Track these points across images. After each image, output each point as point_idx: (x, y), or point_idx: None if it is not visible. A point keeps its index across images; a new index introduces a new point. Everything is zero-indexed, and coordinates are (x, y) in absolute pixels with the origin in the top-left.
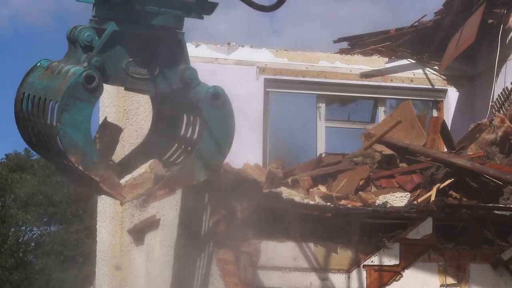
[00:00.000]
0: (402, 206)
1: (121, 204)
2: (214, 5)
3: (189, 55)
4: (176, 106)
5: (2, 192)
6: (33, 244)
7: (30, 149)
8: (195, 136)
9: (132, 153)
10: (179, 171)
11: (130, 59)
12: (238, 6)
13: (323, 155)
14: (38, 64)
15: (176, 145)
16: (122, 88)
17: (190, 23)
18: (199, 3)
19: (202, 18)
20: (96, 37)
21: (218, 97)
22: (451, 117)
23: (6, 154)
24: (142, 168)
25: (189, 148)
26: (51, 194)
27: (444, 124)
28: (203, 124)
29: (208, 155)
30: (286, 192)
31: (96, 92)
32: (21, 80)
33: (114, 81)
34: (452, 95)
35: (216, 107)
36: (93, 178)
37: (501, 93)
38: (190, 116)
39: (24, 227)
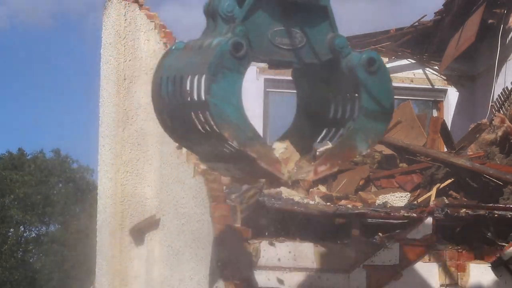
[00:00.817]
0: (402, 206)
1: (282, 183)
2: None
3: None
4: (323, 84)
5: (2, 192)
6: (31, 244)
7: (24, 149)
8: (347, 115)
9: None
10: (340, 145)
11: (275, 29)
12: None
13: None
14: (173, 47)
15: (326, 128)
16: (122, 88)
17: (189, 23)
18: None
19: None
20: (237, 7)
21: (373, 62)
22: (451, 117)
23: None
24: (283, 143)
25: (341, 130)
26: (49, 194)
27: (444, 124)
28: (360, 93)
29: (369, 125)
30: (286, 192)
31: (244, 61)
32: (156, 66)
33: (260, 53)
34: (452, 95)
35: (372, 73)
36: (249, 154)
37: (501, 93)
38: (339, 95)
39: (23, 227)
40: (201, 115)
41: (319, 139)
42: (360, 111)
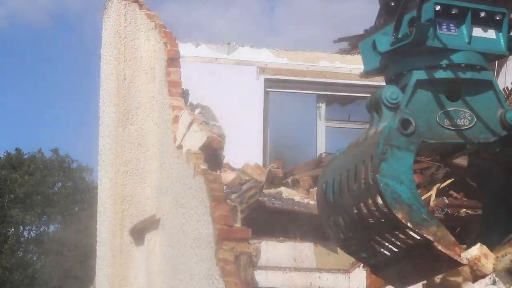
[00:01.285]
0: None
1: (461, 266)
2: None
3: (189, 55)
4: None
5: (1, 192)
6: (31, 244)
7: (21, 149)
8: None
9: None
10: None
11: (442, 110)
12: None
13: (323, 155)
14: (337, 152)
15: None
16: (122, 88)
17: (189, 23)
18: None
19: (507, 54)
20: (401, 94)
21: None
22: None
23: None
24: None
25: None
26: (49, 194)
27: None
28: None
29: None
30: (286, 192)
31: (414, 138)
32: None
33: (430, 137)
34: None
35: None
36: (425, 237)
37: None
38: None
39: (22, 227)
40: (370, 202)
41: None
42: None
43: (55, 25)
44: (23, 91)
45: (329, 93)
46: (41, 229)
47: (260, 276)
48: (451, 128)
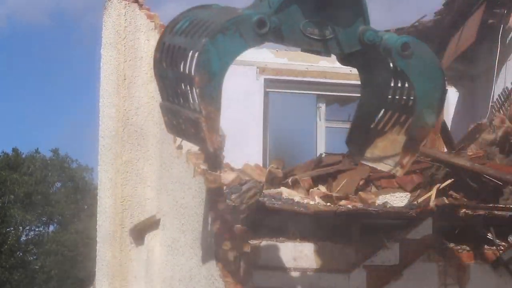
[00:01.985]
0: (402, 206)
1: (211, 150)
2: None
3: None
4: (378, 68)
5: (1, 192)
6: (31, 244)
7: (18, 149)
8: (404, 97)
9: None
10: (411, 131)
11: (307, 20)
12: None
13: (323, 155)
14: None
15: (383, 110)
16: (122, 88)
17: None
18: None
19: None
20: None
21: (407, 47)
22: (451, 117)
23: None
24: None
25: (402, 115)
26: (48, 194)
27: (444, 124)
28: (408, 77)
29: (428, 98)
30: (286, 192)
31: (258, 38)
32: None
33: (290, 42)
34: (452, 95)
35: (409, 56)
36: (202, 108)
37: (501, 93)
38: (394, 76)
39: (22, 227)
40: (191, 55)
41: (376, 122)
42: (417, 92)
43: (54, 24)
44: (21, 91)
45: (329, 93)
46: (41, 228)
47: (260, 276)
48: (311, 36)
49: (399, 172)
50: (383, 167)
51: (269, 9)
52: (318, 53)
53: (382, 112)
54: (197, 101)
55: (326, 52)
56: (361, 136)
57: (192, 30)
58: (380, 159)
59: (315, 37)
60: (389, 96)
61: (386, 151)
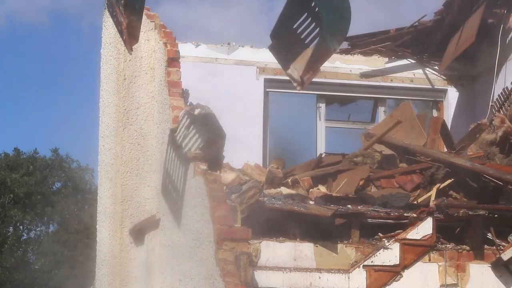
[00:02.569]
0: (402, 206)
1: (129, 53)
2: None
3: (189, 55)
4: None
5: (1, 192)
6: (31, 244)
7: (19, 149)
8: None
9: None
10: (314, 51)
11: None
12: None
13: (323, 155)
14: None
15: (306, 14)
16: (122, 88)
17: (189, 23)
18: None
19: None
20: None
21: None
22: (451, 117)
23: None
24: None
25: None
26: (48, 194)
27: (444, 124)
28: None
29: (333, 25)
30: (286, 192)
31: None
32: None
33: None
34: (452, 95)
35: None
36: (122, 15)
37: (501, 93)
38: None
39: (22, 227)
40: None
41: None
42: (324, 18)
43: (54, 24)
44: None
45: (329, 93)
46: (41, 228)
47: (260, 276)
48: None
49: (298, 87)
50: (291, 77)
51: None
52: None
53: (304, 16)
54: (121, 9)
55: None
56: (284, 35)
57: None
58: (291, 69)
59: None
60: (312, 4)
61: (298, 62)
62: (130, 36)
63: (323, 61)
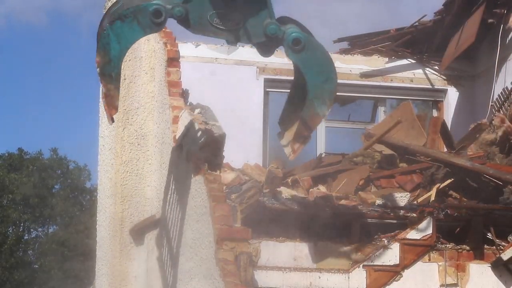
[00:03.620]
0: (402, 206)
1: (110, 124)
2: None
3: (189, 55)
4: None
5: (0, 192)
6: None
7: (23, 149)
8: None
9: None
10: (304, 118)
11: (214, 11)
12: None
13: (323, 155)
14: None
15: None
16: (122, 88)
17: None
18: None
19: None
20: None
21: (298, 42)
22: (451, 117)
23: None
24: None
25: None
26: (48, 195)
27: (444, 124)
28: (301, 70)
29: (320, 90)
30: (286, 192)
31: (155, 27)
32: None
33: (197, 30)
34: (452, 95)
35: (300, 51)
36: (103, 85)
37: (501, 93)
38: None
39: (22, 227)
40: (100, 30)
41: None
42: (309, 82)
43: (52, 23)
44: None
45: None
46: (41, 229)
47: (260, 276)
48: (217, 26)
49: (291, 156)
50: (286, 150)
51: None
52: (226, 40)
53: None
54: (99, 77)
55: (231, 42)
56: (287, 118)
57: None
58: (286, 142)
59: (221, 27)
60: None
61: (290, 132)
62: (108, 105)
63: (313, 127)
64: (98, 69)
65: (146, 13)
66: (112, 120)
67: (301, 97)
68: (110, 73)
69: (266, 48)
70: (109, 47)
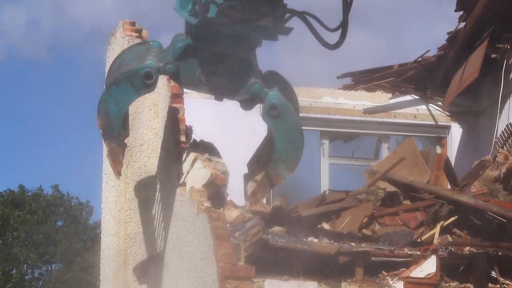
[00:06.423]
0: (406, 244)
1: (116, 177)
2: (290, 30)
3: (192, 91)
4: None
5: (4, 230)
6: (34, 283)
7: (24, 186)
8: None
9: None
10: (266, 175)
11: (203, 69)
12: None
13: (326, 192)
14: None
15: None
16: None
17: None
18: (276, 26)
19: (277, 40)
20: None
21: (275, 108)
22: (455, 153)
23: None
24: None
25: None
26: (51, 233)
27: (447, 160)
28: (272, 132)
29: (285, 155)
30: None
31: (147, 88)
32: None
33: (187, 85)
34: (456, 132)
35: (276, 116)
36: (106, 145)
37: (505, 129)
38: None
39: (26, 266)
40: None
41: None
42: (277, 145)
43: (53, 59)
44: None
45: (333, 129)
46: (45, 268)
47: None
48: (206, 83)
49: (252, 205)
50: (249, 198)
51: (172, 56)
52: (214, 96)
53: None
54: (103, 138)
55: (218, 98)
56: (256, 164)
57: (113, 68)
58: (250, 191)
59: (209, 84)
60: None
61: (254, 184)
62: (114, 161)
63: (275, 185)
64: (100, 131)
65: (138, 76)
66: (119, 174)
67: (272, 151)
68: (112, 133)
69: (248, 104)
70: (108, 110)
